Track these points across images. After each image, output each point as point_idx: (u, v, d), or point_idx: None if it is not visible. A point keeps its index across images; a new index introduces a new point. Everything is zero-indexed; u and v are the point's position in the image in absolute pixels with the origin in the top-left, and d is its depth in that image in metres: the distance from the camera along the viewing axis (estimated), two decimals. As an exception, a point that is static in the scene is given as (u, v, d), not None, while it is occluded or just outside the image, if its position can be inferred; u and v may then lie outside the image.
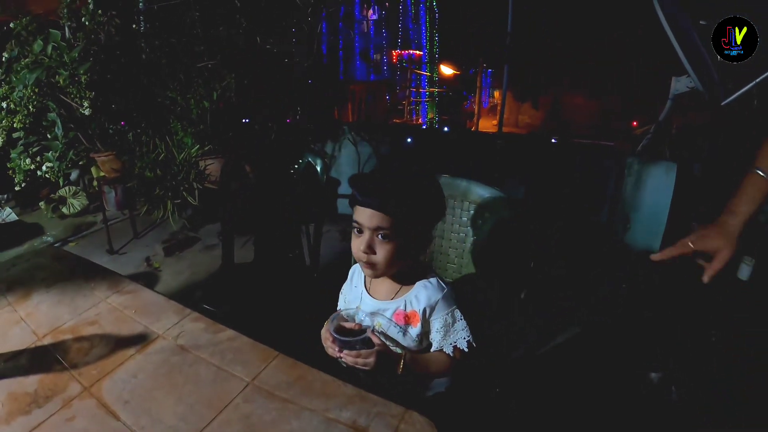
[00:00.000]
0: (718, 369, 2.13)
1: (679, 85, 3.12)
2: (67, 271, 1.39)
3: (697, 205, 3.08)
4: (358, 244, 1.02)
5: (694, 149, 3.44)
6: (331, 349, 0.97)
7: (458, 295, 1.13)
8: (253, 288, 1.88)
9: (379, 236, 0.99)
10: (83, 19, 2.71)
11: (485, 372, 1.36)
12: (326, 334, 0.99)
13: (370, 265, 1.03)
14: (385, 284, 1.13)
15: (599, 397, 2.00)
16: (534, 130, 12.98)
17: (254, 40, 2.25)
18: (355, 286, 1.21)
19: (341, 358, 0.95)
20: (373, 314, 1.09)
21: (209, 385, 0.83)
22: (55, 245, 3.83)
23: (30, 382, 0.92)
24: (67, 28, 3.00)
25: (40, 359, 0.99)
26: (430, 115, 15.74)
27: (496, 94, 14.83)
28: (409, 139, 3.86)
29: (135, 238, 3.88)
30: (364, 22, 16.22)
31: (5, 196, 4.61)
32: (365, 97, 9.62)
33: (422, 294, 1.08)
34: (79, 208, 4.51)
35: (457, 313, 1.08)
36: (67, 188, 4.55)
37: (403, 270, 1.09)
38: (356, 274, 1.22)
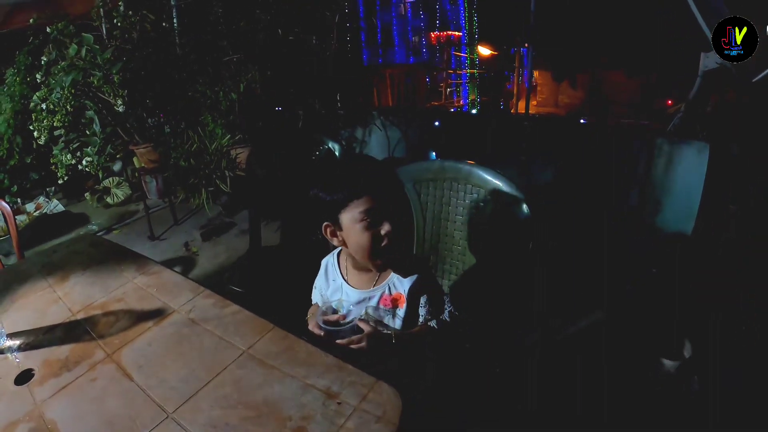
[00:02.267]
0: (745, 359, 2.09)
1: (708, 61, 3.02)
2: (102, 256, 1.53)
3: (734, 187, 3.00)
4: (376, 234, 1.05)
5: (731, 128, 3.34)
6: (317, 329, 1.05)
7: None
8: (277, 270, 1.99)
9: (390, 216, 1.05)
10: (115, 20, 2.85)
11: (485, 353, 1.43)
12: (315, 328, 1.07)
13: (390, 247, 1.07)
14: (364, 273, 1.19)
15: (616, 384, 2.02)
16: (572, 110, 12.67)
17: (275, 32, 2.34)
18: (333, 279, 1.25)
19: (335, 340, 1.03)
20: (359, 303, 1.15)
21: (210, 353, 0.94)
22: (100, 233, 4.09)
23: (62, 351, 1.05)
24: (104, 28, 3.16)
25: (72, 331, 1.12)
26: (471, 97, 15.58)
27: (536, 73, 14.49)
28: (437, 123, 3.89)
29: (174, 225, 4.09)
30: (401, 4, 16.14)
31: (53, 188, 4.90)
32: (404, 80, 9.59)
33: (403, 275, 1.14)
34: (123, 198, 4.77)
35: (438, 287, 1.15)
36: (110, 179, 4.81)
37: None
38: (330, 266, 1.27)
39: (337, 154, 1.98)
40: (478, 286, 1.49)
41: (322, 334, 1.05)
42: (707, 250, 3.01)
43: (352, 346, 1.02)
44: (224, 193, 3.41)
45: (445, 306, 1.15)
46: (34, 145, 3.31)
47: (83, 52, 2.65)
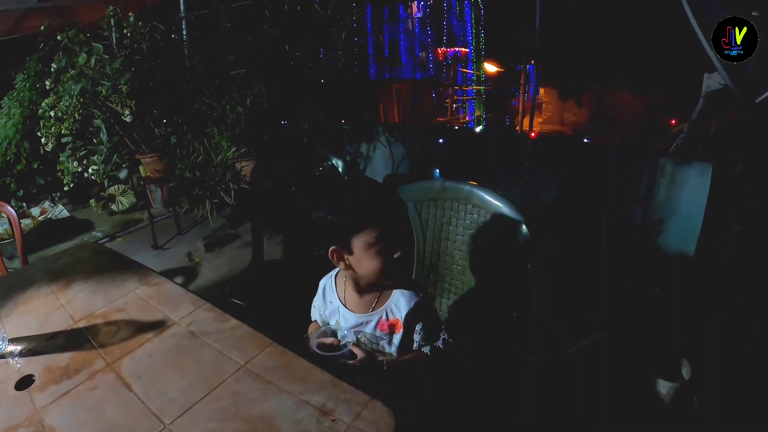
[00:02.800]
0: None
1: (711, 82, 3.04)
2: (105, 265, 1.55)
3: (737, 207, 3.01)
4: (384, 259, 1.06)
5: (735, 148, 3.35)
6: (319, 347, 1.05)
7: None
8: (278, 284, 2.00)
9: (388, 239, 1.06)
10: (125, 31, 2.90)
11: (482, 369, 1.43)
12: (311, 348, 1.07)
13: (402, 270, 1.10)
14: (362, 297, 1.19)
15: (614, 402, 2.02)
16: (578, 128, 12.72)
17: (282, 47, 2.38)
18: (330, 301, 1.26)
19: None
20: (355, 327, 1.17)
21: (209, 366, 0.95)
22: (104, 240, 4.12)
23: (63, 358, 1.06)
24: (114, 38, 3.20)
25: (73, 339, 1.14)
26: (477, 113, 15.66)
27: (542, 91, 14.57)
28: (441, 140, 3.92)
29: (178, 235, 4.12)
30: (409, 20, 16.29)
31: (58, 194, 4.94)
32: (410, 96, 9.65)
33: (401, 301, 1.14)
34: (128, 206, 4.81)
35: (435, 315, 1.16)
36: (116, 187, 4.86)
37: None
38: (328, 289, 1.28)
39: (340, 170, 2.00)
40: (478, 305, 1.50)
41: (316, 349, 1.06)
42: (709, 268, 3.03)
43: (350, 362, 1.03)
44: (228, 205, 3.44)
45: (441, 334, 1.16)
46: (41, 151, 3.35)
47: (92, 61, 2.69)
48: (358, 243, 1.05)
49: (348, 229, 1.05)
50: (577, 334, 2.54)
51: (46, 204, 4.54)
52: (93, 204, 4.72)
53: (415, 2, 16.77)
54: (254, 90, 2.49)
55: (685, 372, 2.12)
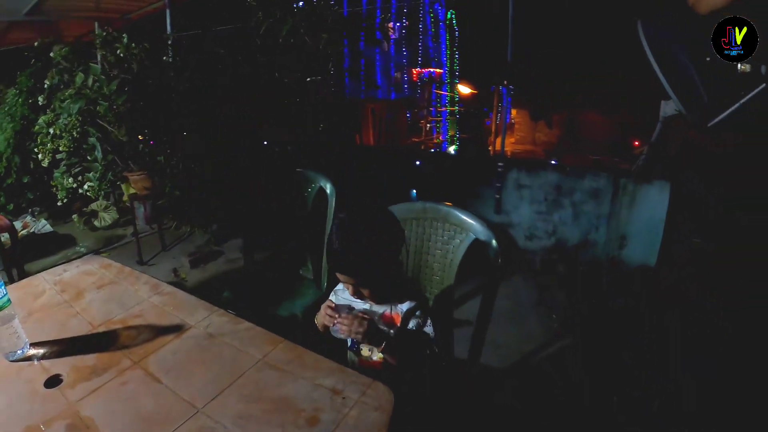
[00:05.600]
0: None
1: (668, 108, 3.30)
2: (114, 277, 1.66)
3: (698, 221, 3.25)
4: (357, 292, 1.30)
5: (694, 167, 3.60)
6: (329, 317, 1.23)
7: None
8: (266, 298, 2.13)
9: (360, 285, 1.28)
10: (118, 51, 3.00)
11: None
12: (326, 308, 1.26)
13: (364, 299, 1.32)
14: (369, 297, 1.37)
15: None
16: (548, 148, 13.13)
17: (273, 75, 2.54)
18: (342, 297, 1.43)
19: (336, 324, 1.21)
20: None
21: (230, 361, 1.09)
22: (87, 255, 4.15)
23: (89, 359, 1.17)
24: (100, 57, 3.30)
25: (96, 342, 1.25)
26: (450, 133, 16.00)
27: (514, 112, 15.01)
28: (418, 162, 4.10)
29: (163, 251, 4.18)
30: (384, 43, 16.60)
31: (37, 209, 4.95)
32: (385, 116, 9.85)
33: (405, 303, 1.34)
34: (110, 222, 4.85)
35: (427, 317, 1.33)
36: (98, 203, 4.90)
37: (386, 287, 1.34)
38: (340, 288, 1.45)
39: (328, 191, 2.15)
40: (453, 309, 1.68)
41: (331, 309, 1.24)
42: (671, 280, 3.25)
43: (353, 325, 1.19)
44: (214, 222, 3.56)
45: (431, 333, 1.33)
46: (32, 165, 3.42)
47: (90, 81, 2.80)
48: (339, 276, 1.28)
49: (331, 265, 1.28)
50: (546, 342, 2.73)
51: (28, 218, 4.56)
52: (76, 219, 4.75)
53: (391, 23, 17.10)
54: (245, 114, 2.64)
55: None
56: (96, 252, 4.26)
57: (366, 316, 1.23)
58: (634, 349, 2.59)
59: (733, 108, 2.83)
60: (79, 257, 4.02)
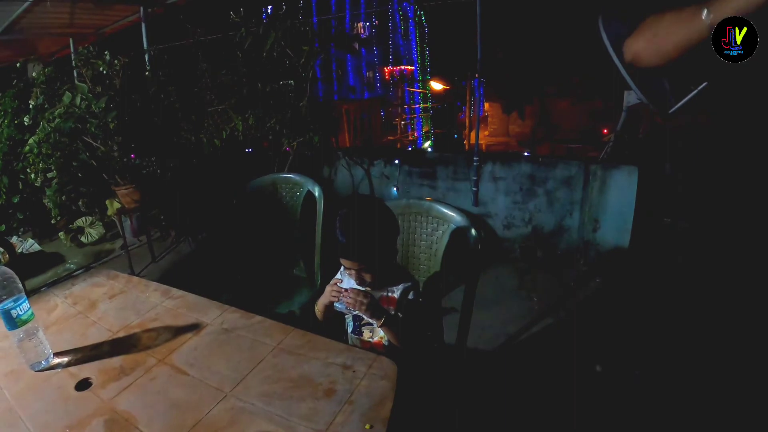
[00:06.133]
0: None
1: (630, 98, 3.49)
2: (123, 286, 1.76)
3: (667, 202, 3.44)
4: (360, 277, 1.45)
5: (661, 150, 3.80)
6: (336, 292, 1.41)
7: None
8: (263, 298, 2.25)
9: (363, 270, 1.43)
10: (101, 68, 3.08)
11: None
12: (332, 286, 1.44)
13: (365, 285, 1.46)
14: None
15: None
16: (522, 139, 13.40)
17: (256, 85, 2.66)
18: (344, 281, 1.58)
19: (342, 298, 1.38)
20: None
21: (248, 350, 1.23)
22: (78, 272, 4.21)
23: (115, 362, 1.27)
24: (76, 74, 3.36)
25: (119, 346, 1.34)
26: (425, 129, 16.20)
27: (487, 105, 15.26)
28: (397, 161, 4.25)
29: (153, 262, 4.26)
30: (355, 45, 16.68)
31: (21, 228, 4.94)
32: (360, 115, 9.94)
33: (400, 286, 1.50)
34: (97, 237, 4.88)
35: (419, 298, 1.49)
36: (84, 218, 4.93)
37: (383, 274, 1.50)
38: (342, 272, 1.59)
39: (316, 195, 2.28)
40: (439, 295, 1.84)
41: (337, 285, 1.42)
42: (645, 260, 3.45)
43: (358, 298, 1.36)
44: (204, 230, 3.66)
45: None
46: (20, 186, 3.47)
47: (78, 99, 2.87)
48: (342, 261, 1.45)
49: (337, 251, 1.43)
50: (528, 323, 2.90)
51: (15, 239, 4.57)
52: (62, 237, 4.77)
53: (361, 23, 17.20)
54: (231, 125, 2.75)
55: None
56: (86, 267, 4.31)
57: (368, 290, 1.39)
58: (613, 325, 2.78)
59: (690, 95, 3.03)
60: (71, 274, 4.11)
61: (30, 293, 2.50)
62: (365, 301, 1.36)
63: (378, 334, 1.51)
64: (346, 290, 1.39)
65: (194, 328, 1.36)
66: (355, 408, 0.99)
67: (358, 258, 1.40)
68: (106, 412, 1.08)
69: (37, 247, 4.58)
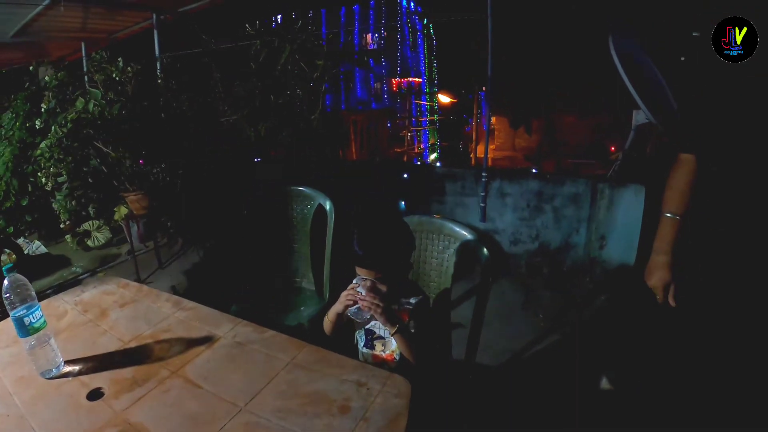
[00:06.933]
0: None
1: (639, 117, 3.52)
2: (134, 296, 1.75)
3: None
4: (373, 287, 1.43)
5: (668, 167, 3.80)
6: (352, 293, 1.41)
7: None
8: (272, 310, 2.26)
9: (379, 281, 1.43)
10: (114, 75, 3.10)
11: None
12: (349, 290, 1.44)
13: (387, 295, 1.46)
14: None
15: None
16: (529, 153, 13.42)
17: (268, 97, 2.68)
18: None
19: (359, 302, 1.39)
20: None
21: (262, 365, 1.23)
22: (84, 276, 4.23)
23: (127, 372, 1.26)
24: (87, 79, 3.38)
25: (131, 356, 1.34)
26: (431, 141, 16.27)
27: (494, 119, 15.31)
28: (405, 175, 4.26)
29: (159, 269, 4.26)
30: (365, 56, 16.80)
31: (27, 231, 4.97)
32: (367, 126, 9.99)
33: (412, 300, 1.51)
34: (104, 241, 4.89)
35: (430, 312, 1.50)
36: (91, 222, 4.95)
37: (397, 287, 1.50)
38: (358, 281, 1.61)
39: (327, 209, 2.30)
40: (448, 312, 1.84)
41: (353, 290, 1.42)
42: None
43: (375, 300, 1.36)
44: (211, 237, 3.66)
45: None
46: (29, 188, 3.48)
47: (91, 105, 2.89)
48: (358, 270, 1.45)
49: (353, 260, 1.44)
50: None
51: (21, 240, 4.59)
52: (68, 240, 4.79)
53: (369, 35, 17.33)
54: (242, 135, 2.76)
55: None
56: (92, 272, 4.33)
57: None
58: (618, 343, 2.76)
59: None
60: (77, 277, 4.12)
61: (37, 295, 2.50)
62: (382, 304, 1.37)
63: (390, 348, 1.51)
64: (363, 294, 1.39)
65: (207, 340, 1.37)
66: (370, 425, 0.99)
67: (377, 266, 1.41)
68: (118, 423, 1.07)
69: (43, 249, 4.60)
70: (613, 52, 3.24)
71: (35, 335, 1.26)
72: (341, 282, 1.60)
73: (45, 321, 1.29)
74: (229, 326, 1.43)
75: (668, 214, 1.42)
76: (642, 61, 3.51)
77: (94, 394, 1.18)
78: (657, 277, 1.47)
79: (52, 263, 4.49)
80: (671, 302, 1.44)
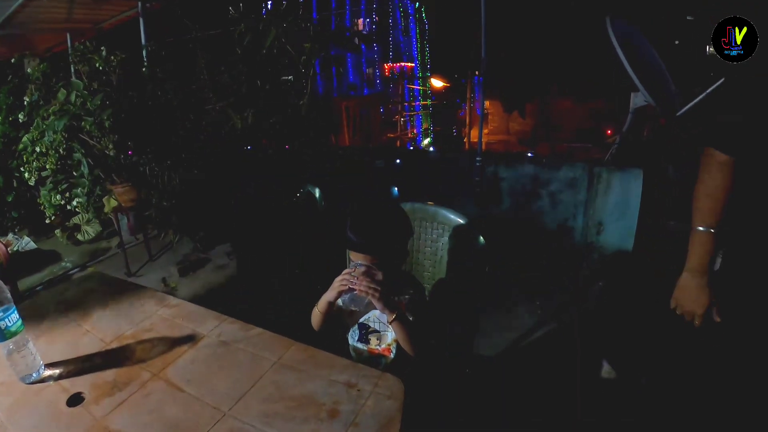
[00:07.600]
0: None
1: (637, 99, 3.44)
2: (117, 293, 1.69)
3: (672, 205, 3.39)
4: (369, 272, 1.35)
5: (665, 153, 3.76)
6: (347, 278, 1.33)
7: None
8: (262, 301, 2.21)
9: (375, 266, 1.35)
10: (97, 64, 3.00)
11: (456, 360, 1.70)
12: (344, 275, 1.35)
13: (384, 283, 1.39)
14: None
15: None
16: (523, 137, 13.35)
17: (255, 83, 2.59)
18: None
19: (354, 285, 1.31)
20: None
21: (247, 366, 1.17)
22: (74, 270, 4.16)
23: (108, 375, 1.21)
24: (73, 70, 3.29)
25: (112, 358, 1.28)
26: (424, 126, 16.18)
27: (487, 103, 15.21)
28: (398, 161, 4.19)
29: (150, 261, 4.20)
30: (355, 38, 16.62)
31: (20, 226, 4.89)
32: (359, 112, 9.91)
33: (408, 290, 1.46)
34: (93, 235, 4.83)
35: (426, 303, 1.45)
36: (80, 216, 4.87)
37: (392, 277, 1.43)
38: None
39: (317, 196, 2.23)
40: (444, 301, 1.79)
41: (348, 274, 1.34)
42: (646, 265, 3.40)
43: (372, 283, 1.29)
44: (201, 229, 3.59)
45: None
46: (14, 184, 3.40)
47: (73, 96, 2.80)
48: (352, 255, 1.39)
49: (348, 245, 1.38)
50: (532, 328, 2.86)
51: (10, 236, 4.51)
52: (58, 234, 4.71)
53: (361, 19, 17.14)
54: (229, 123, 2.68)
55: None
56: (83, 266, 4.26)
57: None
58: (617, 329, 2.73)
59: (698, 98, 2.98)
60: (67, 272, 4.06)
61: (25, 293, 2.44)
62: (380, 288, 1.30)
63: (386, 341, 1.45)
64: (359, 278, 1.31)
65: (190, 339, 1.30)
66: (361, 431, 0.93)
67: (373, 250, 1.35)
68: (99, 430, 1.02)
69: (33, 245, 4.52)
70: (611, 34, 3.17)
71: (12, 339, 1.20)
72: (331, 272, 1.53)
73: (22, 324, 1.24)
74: (214, 324, 1.36)
75: (701, 228, 1.25)
76: (640, 43, 3.44)
77: (75, 400, 1.13)
78: (693, 302, 1.30)
79: (43, 259, 4.41)
80: (716, 319, 1.31)
